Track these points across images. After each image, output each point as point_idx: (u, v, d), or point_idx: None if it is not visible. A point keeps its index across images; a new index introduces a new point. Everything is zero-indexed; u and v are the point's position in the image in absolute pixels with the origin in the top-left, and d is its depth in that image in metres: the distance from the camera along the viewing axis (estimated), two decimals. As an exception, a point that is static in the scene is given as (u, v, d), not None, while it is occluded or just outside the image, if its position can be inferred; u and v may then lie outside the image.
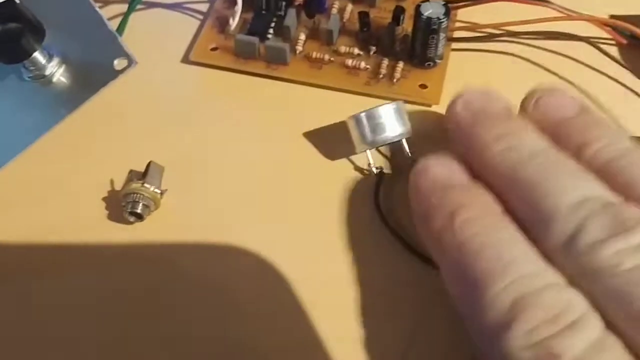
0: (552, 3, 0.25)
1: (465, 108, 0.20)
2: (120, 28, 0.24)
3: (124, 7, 0.25)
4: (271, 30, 0.25)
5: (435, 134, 0.22)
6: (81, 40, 0.23)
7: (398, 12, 0.25)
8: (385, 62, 0.25)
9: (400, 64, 0.24)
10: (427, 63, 0.24)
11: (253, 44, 0.25)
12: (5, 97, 0.23)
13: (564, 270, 0.16)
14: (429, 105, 0.24)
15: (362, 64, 0.24)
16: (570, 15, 0.25)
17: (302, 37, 0.25)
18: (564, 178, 0.17)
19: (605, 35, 0.25)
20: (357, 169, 0.22)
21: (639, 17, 0.25)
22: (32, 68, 0.23)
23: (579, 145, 0.18)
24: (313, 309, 0.20)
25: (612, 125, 0.19)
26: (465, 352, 0.18)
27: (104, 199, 0.22)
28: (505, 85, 0.24)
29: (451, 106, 0.20)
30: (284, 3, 0.25)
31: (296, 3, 0.26)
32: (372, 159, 0.22)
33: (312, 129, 0.23)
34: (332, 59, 0.25)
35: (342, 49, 0.25)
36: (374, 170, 0.22)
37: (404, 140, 0.22)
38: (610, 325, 0.15)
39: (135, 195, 0.21)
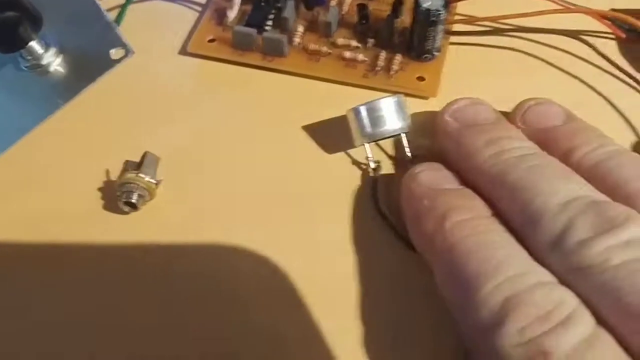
0: (551, -4, 0.25)
1: (455, 117, 0.21)
2: (118, 18, 0.24)
3: (122, -2, 0.25)
4: (269, 22, 0.25)
5: (431, 127, 0.22)
6: (78, 29, 0.23)
7: (397, 4, 0.25)
8: (383, 54, 0.25)
9: (398, 57, 0.24)
10: (424, 56, 0.24)
11: (250, 35, 0.25)
12: (2, 86, 0.23)
13: (553, 268, 0.16)
14: (426, 98, 0.24)
15: (360, 57, 0.24)
16: (569, 8, 0.24)
17: (301, 29, 0.25)
18: (553, 179, 0.17)
19: (605, 28, 0.25)
20: (355, 162, 0.22)
21: (639, 11, 0.25)
22: (29, 57, 0.23)
23: (567, 150, 0.19)
24: (309, 302, 0.20)
25: (598, 131, 0.20)
26: (460, 346, 0.18)
27: (100, 189, 0.22)
28: (503, 78, 0.24)
29: (440, 115, 0.21)
30: (282, -5, 0.25)
31: (295, -5, 0.26)
32: (370, 153, 0.22)
33: (309, 121, 0.23)
34: (329, 51, 0.25)
35: (340, 41, 0.25)
36: (372, 164, 0.22)
37: (403, 135, 0.22)
38: (601, 321, 0.15)
39: (130, 185, 0.21)
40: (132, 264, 0.20)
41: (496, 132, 0.19)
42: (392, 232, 0.21)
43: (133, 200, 0.21)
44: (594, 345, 0.14)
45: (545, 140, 0.19)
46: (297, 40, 0.25)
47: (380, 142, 0.22)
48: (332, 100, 0.23)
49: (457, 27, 0.26)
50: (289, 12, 0.25)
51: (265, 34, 0.25)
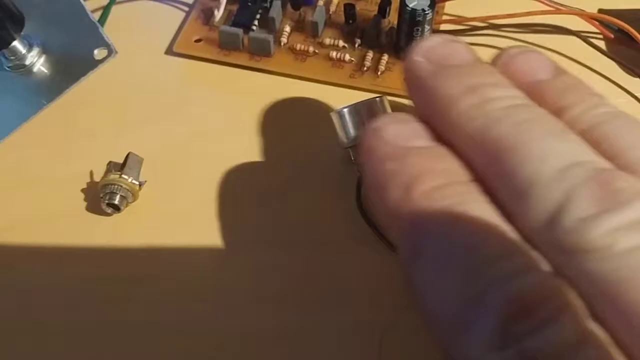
0: (539, -4, 0.24)
1: (426, 57, 0.16)
2: (102, 18, 0.24)
3: (107, -2, 0.25)
4: (256, 22, 0.25)
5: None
6: (62, 29, 0.23)
7: (384, 5, 0.25)
8: (370, 54, 0.24)
9: (385, 57, 0.24)
10: (412, 56, 0.24)
11: (237, 35, 0.24)
12: (-16, 86, 0.23)
13: (544, 252, 0.13)
14: (414, 99, 0.23)
15: (347, 57, 0.24)
16: (558, 9, 0.24)
17: (287, 29, 0.25)
18: (547, 138, 0.14)
19: (593, 29, 0.25)
20: (341, 162, 0.22)
21: (627, 11, 0.25)
22: (12, 58, 0.22)
23: (555, 110, 0.15)
24: (291, 300, 0.19)
25: (592, 89, 0.16)
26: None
27: (83, 190, 0.22)
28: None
29: (410, 55, 0.16)
30: (269, -6, 0.25)
31: (282, -5, 0.26)
32: (354, 157, 0.22)
33: (295, 121, 0.23)
34: (316, 51, 0.25)
35: (327, 41, 0.25)
36: (356, 166, 0.22)
37: None
38: (597, 319, 0.12)
39: (112, 186, 0.20)
40: (114, 266, 0.20)
41: (477, 77, 0.15)
42: (374, 233, 0.20)
43: (115, 202, 0.20)
44: (585, 347, 0.12)
45: (530, 97, 0.15)
46: (283, 40, 0.25)
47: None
48: (318, 100, 0.23)
49: (445, 27, 0.26)
50: (275, 11, 0.25)
51: (251, 34, 0.25)
